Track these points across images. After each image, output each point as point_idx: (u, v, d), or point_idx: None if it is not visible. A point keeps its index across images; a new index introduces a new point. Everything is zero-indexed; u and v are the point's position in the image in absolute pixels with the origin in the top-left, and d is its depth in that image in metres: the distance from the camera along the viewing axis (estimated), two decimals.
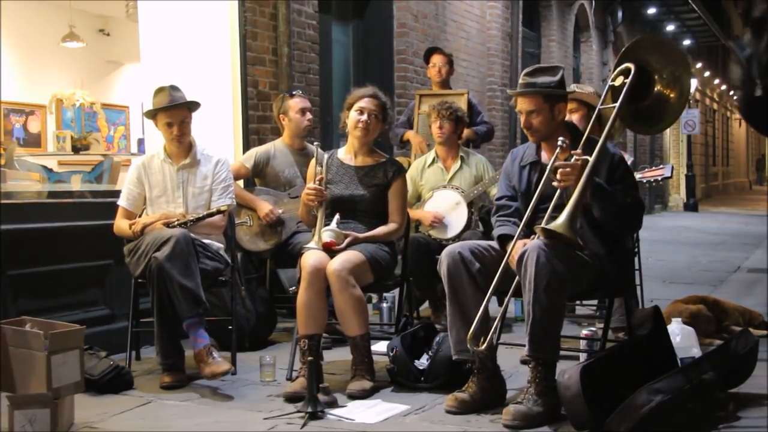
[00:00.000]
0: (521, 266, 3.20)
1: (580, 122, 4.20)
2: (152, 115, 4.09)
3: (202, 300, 3.75)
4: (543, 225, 3.21)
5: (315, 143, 4.08)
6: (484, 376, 3.38)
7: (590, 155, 3.23)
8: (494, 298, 3.50)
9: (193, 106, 4.10)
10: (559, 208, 3.25)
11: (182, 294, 3.69)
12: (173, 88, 4.08)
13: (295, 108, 4.87)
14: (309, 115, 4.93)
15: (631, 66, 3.39)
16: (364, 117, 3.92)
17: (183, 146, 4.11)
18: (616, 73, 3.43)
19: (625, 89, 3.36)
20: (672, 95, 3.49)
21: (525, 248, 3.21)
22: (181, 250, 3.70)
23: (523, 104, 3.45)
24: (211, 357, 3.71)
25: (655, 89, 3.48)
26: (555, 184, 3.24)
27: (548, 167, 3.33)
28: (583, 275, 3.31)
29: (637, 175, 4.49)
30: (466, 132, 5.52)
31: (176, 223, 3.91)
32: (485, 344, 3.29)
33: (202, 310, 3.78)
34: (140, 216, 4.13)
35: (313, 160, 4.09)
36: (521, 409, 3.13)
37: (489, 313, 3.40)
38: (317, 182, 3.86)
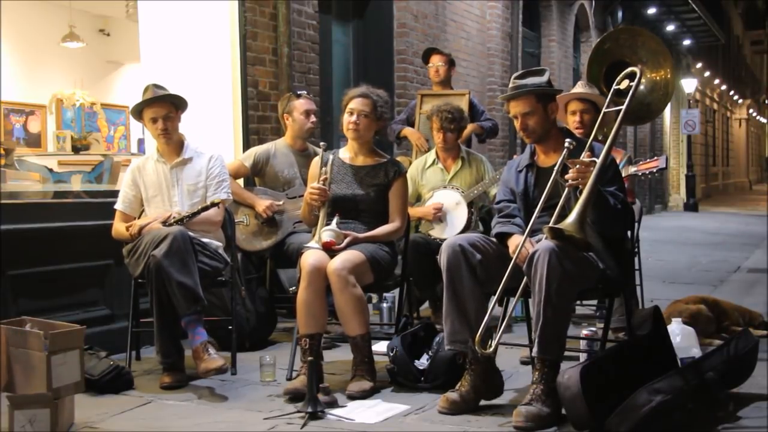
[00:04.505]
0: (531, 267, 3.20)
1: (589, 125, 4.19)
2: (138, 114, 4.12)
3: (200, 297, 3.75)
4: (551, 225, 3.21)
5: (321, 144, 4.08)
6: (477, 373, 3.37)
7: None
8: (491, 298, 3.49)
9: (178, 101, 4.10)
10: (563, 210, 3.27)
11: (180, 291, 3.69)
12: (156, 85, 4.11)
13: (300, 109, 4.87)
14: (313, 118, 4.92)
15: (636, 69, 3.41)
16: (353, 118, 3.93)
17: (172, 143, 4.12)
18: (621, 76, 3.44)
19: (631, 92, 3.36)
20: (659, 77, 3.52)
21: (535, 249, 3.22)
22: (178, 247, 3.70)
23: (517, 107, 3.48)
24: (206, 353, 3.71)
25: (645, 79, 3.51)
26: (568, 182, 3.24)
27: (556, 167, 3.34)
28: (589, 276, 3.32)
29: (632, 169, 4.49)
30: (471, 127, 5.52)
31: (173, 220, 3.91)
32: (492, 347, 3.30)
33: (200, 308, 3.78)
34: (139, 218, 4.13)
35: (315, 161, 4.09)
36: (532, 410, 3.12)
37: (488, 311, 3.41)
38: (321, 182, 3.87)
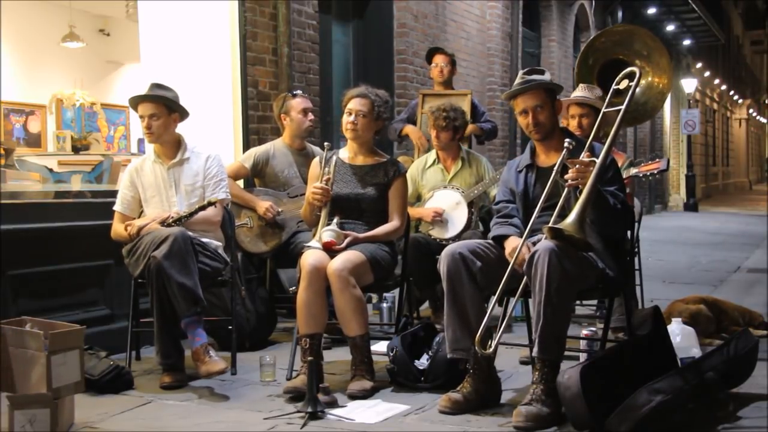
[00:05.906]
0: (531, 268, 3.20)
1: (589, 129, 4.20)
2: (135, 109, 4.12)
3: (200, 298, 3.75)
4: (551, 225, 3.21)
5: (325, 144, 4.08)
6: (479, 376, 3.38)
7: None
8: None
9: (170, 103, 4.05)
10: (563, 210, 3.27)
11: (180, 292, 3.69)
12: (157, 85, 4.11)
13: (297, 108, 4.87)
14: (311, 116, 4.93)
15: (636, 70, 3.41)
16: (351, 118, 3.94)
17: (165, 144, 4.10)
18: (621, 76, 3.45)
19: (630, 92, 3.37)
20: (655, 76, 3.52)
21: (535, 249, 3.22)
22: (179, 248, 3.70)
23: (527, 101, 3.46)
24: (207, 355, 3.71)
25: (645, 78, 3.53)
26: (567, 182, 3.25)
27: (555, 167, 3.34)
28: (589, 276, 3.33)
29: (633, 170, 4.49)
30: (470, 128, 5.52)
31: (171, 221, 3.91)
32: (492, 347, 3.30)
33: (200, 309, 3.78)
34: (137, 218, 4.13)
35: (315, 160, 4.09)
36: (532, 410, 3.12)
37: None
38: (324, 182, 3.87)
